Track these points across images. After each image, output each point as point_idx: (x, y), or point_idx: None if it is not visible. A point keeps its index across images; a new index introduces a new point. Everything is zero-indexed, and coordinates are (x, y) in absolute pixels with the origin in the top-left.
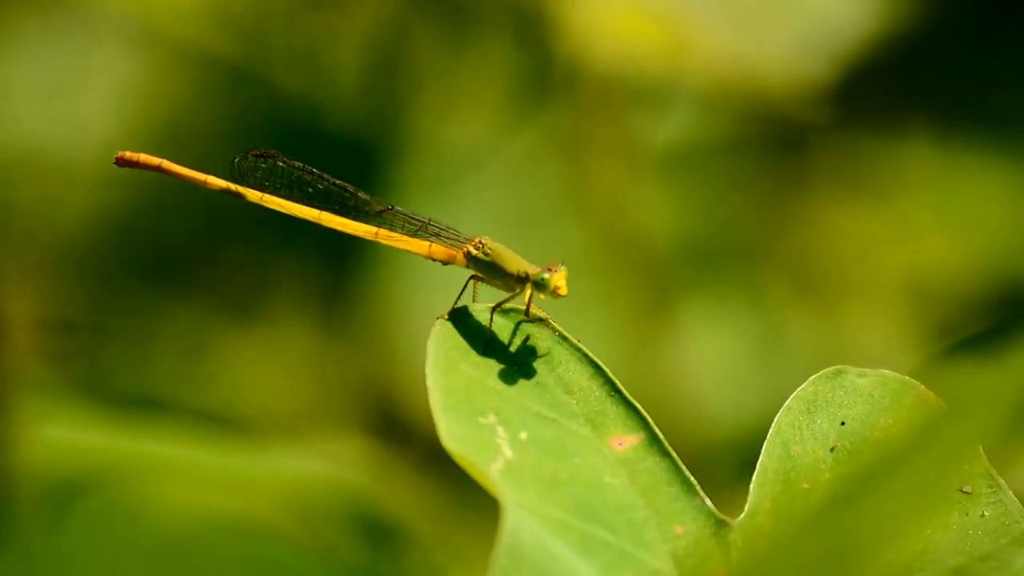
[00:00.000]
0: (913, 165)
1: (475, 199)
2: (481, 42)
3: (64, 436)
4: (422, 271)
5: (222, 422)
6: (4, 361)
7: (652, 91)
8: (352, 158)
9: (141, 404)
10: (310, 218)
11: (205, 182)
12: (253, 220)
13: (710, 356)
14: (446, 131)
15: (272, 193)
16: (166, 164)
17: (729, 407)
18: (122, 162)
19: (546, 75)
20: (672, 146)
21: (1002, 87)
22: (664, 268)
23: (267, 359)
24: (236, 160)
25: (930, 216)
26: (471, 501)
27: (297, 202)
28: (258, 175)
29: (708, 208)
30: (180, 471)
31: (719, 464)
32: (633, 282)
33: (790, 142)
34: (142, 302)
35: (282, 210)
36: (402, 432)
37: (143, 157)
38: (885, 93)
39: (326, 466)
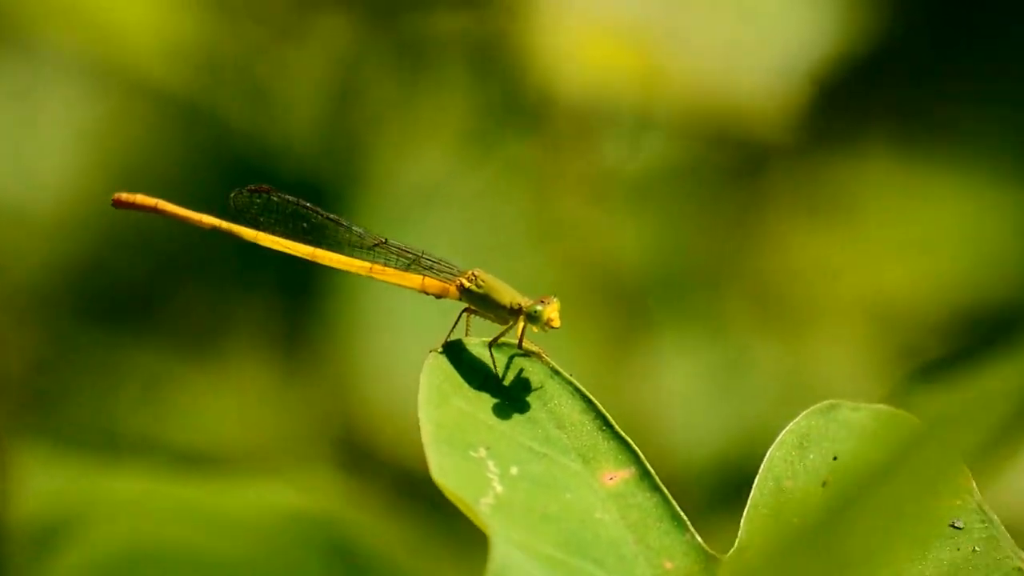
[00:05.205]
0: (875, 187)
1: (437, 234)
2: (443, 72)
3: (36, 482)
4: (384, 301)
5: (189, 458)
6: None
7: (620, 118)
8: (309, 196)
9: (108, 445)
10: (304, 255)
11: (200, 221)
12: (210, 256)
13: (676, 384)
14: (406, 167)
15: (266, 230)
16: (162, 204)
17: (695, 435)
18: (119, 204)
19: (513, 103)
20: (639, 174)
21: (964, 108)
22: (631, 297)
23: (231, 394)
24: (232, 196)
25: (893, 239)
26: (446, 530)
27: (290, 239)
28: (253, 211)
29: (675, 236)
30: (152, 510)
31: (686, 494)
32: (600, 312)
33: (753, 167)
34: (103, 344)
35: (276, 247)
36: (369, 463)
37: (139, 198)
38: (847, 115)
39: (296, 498)
